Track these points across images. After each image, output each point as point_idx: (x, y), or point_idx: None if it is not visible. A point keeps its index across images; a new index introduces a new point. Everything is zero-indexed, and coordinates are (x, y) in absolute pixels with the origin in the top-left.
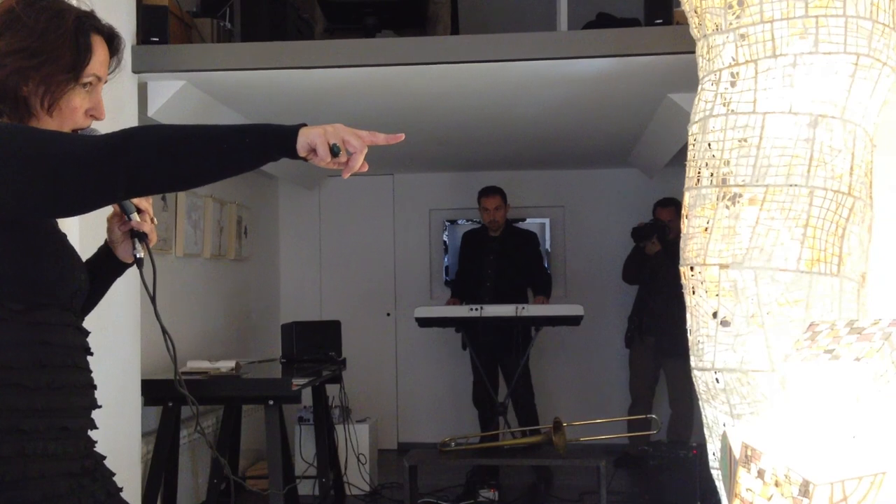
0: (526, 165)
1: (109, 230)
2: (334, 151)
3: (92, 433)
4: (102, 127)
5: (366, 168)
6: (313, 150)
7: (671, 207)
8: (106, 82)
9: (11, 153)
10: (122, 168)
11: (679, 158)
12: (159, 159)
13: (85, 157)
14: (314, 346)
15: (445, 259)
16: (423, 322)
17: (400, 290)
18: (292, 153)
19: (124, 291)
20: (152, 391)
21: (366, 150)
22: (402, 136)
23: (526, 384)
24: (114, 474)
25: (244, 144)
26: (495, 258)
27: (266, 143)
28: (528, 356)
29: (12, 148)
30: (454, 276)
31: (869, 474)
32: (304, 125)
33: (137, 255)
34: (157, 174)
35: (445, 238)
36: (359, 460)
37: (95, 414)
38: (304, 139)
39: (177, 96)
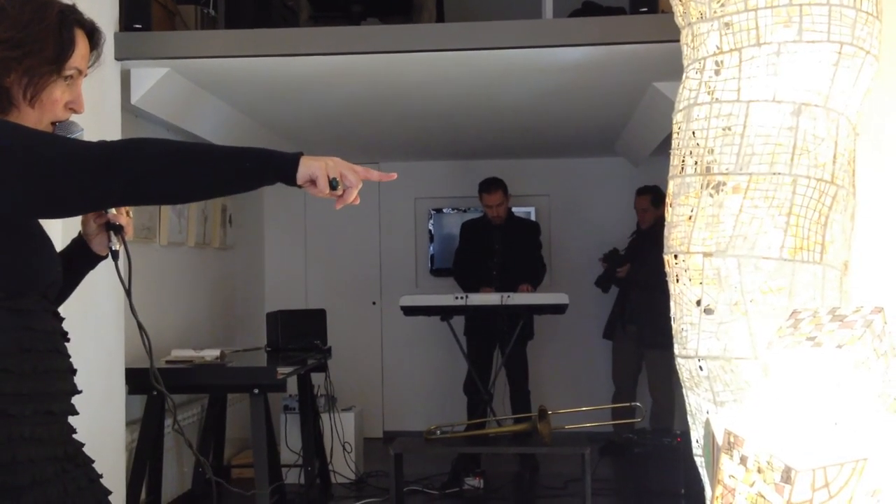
0: (512, 154)
1: (84, 222)
2: (333, 185)
3: (73, 420)
4: (84, 115)
5: (357, 202)
6: (312, 181)
7: (647, 195)
8: (85, 76)
9: (7, 153)
10: (119, 178)
11: (665, 147)
12: (157, 174)
13: (83, 164)
14: (299, 334)
15: (431, 248)
16: (409, 310)
17: (385, 279)
18: (291, 181)
19: (107, 280)
20: (136, 380)
21: (360, 185)
22: (395, 175)
23: (522, 369)
24: (93, 461)
25: (244, 168)
26: (501, 248)
27: (265, 169)
28: (526, 342)
29: (8, 147)
30: (456, 267)
31: (850, 461)
32: (302, 153)
33: (113, 248)
34: (153, 188)
35: (431, 227)
36: (344, 448)
37: (79, 401)
38: (306, 170)
39: (160, 84)
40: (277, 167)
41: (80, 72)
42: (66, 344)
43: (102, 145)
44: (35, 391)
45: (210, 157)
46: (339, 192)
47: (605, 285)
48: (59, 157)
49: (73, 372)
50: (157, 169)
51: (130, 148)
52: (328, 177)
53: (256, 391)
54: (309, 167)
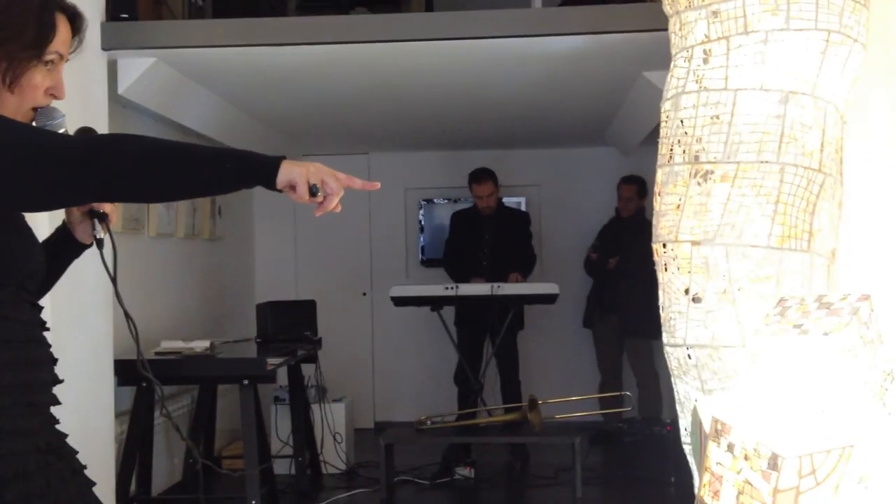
0: (502, 144)
1: (68, 211)
2: (313, 192)
3: (61, 410)
4: (72, 105)
5: (339, 209)
6: (292, 187)
7: (633, 185)
8: (67, 61)
9: None
10: (97, 174)
11: (655, 136)
12: (135, 172)
13: (58, 160)
14: (289, 325)
15: (421, 238)
16: (399, 301)
17: (376, 270)
18: (271, 185)
19: (94, 270)
20: (126, 371)
21: (342, 193)
22: (378, 185)
23: (512, 359)
24: (76, 452)
25: (223, 170)
26: (491, 237)
27: (245, 172)
28: (516, 332)
29: None
30: (446, 258)
31: (837, 447)
32: (284, 158)
33: (97, 236)
34: (130, 186)
35: (421, 217)
36: (335, 439)
37: (67, 393)
38: (286, 176)
39: (147, 74)
40: (257, 171)
41: (61, 57)
42: (48, 334)
43: (79, 141)
44: (15, 382)
45: (188, 159)
46: (320, 198)
47: (593, 273)
48: (34, 151)
49: (54, 361)
50: (134, 168)
51: (107, 144)
52: (308, 183)
53: (246, 382)
54: (289, 172)
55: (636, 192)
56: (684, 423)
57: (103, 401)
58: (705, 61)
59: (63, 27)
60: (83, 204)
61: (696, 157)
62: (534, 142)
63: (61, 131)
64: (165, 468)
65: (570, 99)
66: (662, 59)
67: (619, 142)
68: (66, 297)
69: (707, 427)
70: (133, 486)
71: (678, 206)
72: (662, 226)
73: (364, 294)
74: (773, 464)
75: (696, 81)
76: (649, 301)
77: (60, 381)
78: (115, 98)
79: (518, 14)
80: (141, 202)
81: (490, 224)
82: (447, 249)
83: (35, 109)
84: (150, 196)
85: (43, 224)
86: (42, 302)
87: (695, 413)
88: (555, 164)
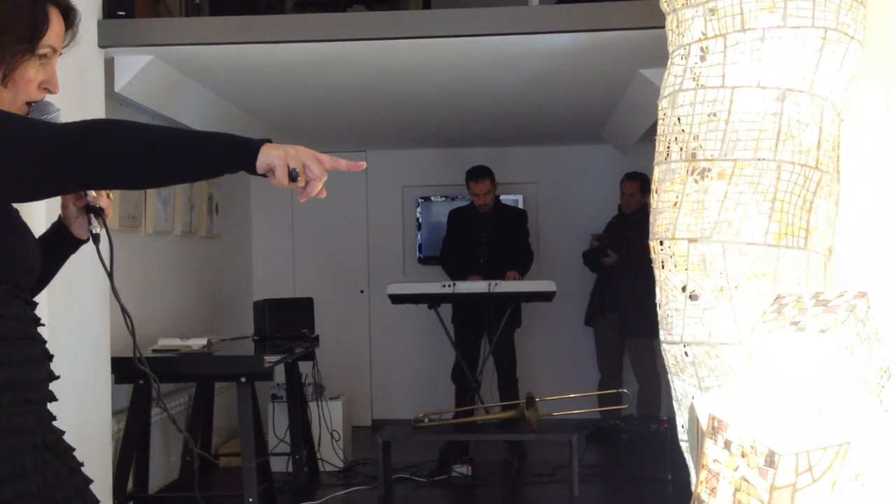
0: (499, 142)
1: (64, 206)
2: (293, 176)
3: (58, 408)
4: (68, 102)
5: (323, 195)
6: (272, 170)
7: (636, 181)
8: (60, 55)
9: None
10: (81, 161)
11: (651, 134)
12: (119, 158)
13: (45, 146)
14: (287, 323)
15: (418, 236)
16: (396, 299)
17: (373, 267)
18: (252, 169)
19: (91, 268)
20: (123, 369)
21: (325, 177)
22: (364, 165)
23: (510, 357)
24: (73, 449)
25: (205, 154)
26: (488, 235)
27: (227, 156)
28: (513, 330)
29: None
30: (443, 255)
31: (834, 444)
32: (269, 141)
33: (94, 231)
34: (114, 172)
35: (419, 215)
36: (332, 437)
37: (64, 391)
38: (265, 159)
39: (144, 71)
40: (238, 155)
41: (54, 50)
42: (43, 330)
43: (64, 128)
44: (11, 380)
45: (171, 144)
46: (301, 183)
47: (592, 264)
48: (18, 140)
49: (50, 358)
50: (119, 153)
51: (92, 133)
52: (288, 167)
53: (244, 380)
54: (267, 155)
55: (638, 189)
56: (681, 420)
57: (100, 398)
58: (702, 59)
59: (56, 21)
60: (71, 192)
61: (693, 155)
62: (531, 139)
63: None
64: (162, 466)
65: (567, 96)
66: (659, 57)
67: (616, 139)
68: (62, 294)
69: (704, 424)
70: (130, 484)
71: (675, 204)
72: (659, 223)
73: (361, 292)
74: (770, 461)
75: (693, 79)
76: (650, 299)
77: (56, 378)
78: (111, 96)
79: (515, 11)
80: (125, 188)
81: (487, 222)
82: (444, 247)
83: (29, 104)
84: (134, 182)
85: (39, 220)
86: (38, 298)
87: (692, 410)
88: (552, 161)
